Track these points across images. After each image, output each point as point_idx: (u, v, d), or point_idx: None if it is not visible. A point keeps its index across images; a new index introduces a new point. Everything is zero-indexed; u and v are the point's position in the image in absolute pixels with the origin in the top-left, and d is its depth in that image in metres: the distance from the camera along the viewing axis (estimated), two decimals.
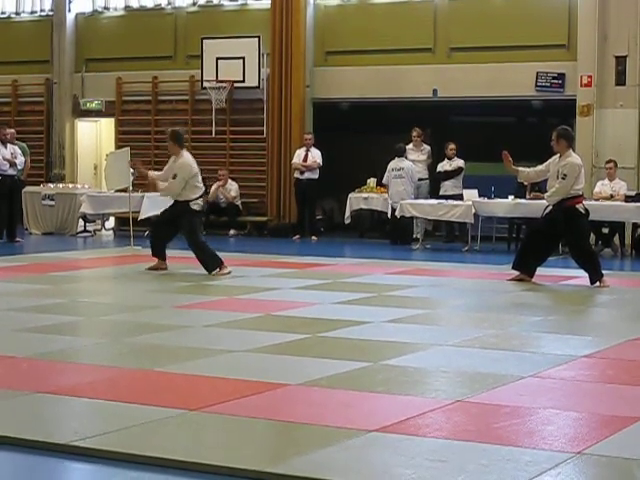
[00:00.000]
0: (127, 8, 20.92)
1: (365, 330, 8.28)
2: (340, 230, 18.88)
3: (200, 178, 12.35)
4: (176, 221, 12.11)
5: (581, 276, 11.63)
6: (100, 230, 19.24)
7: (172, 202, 12.30)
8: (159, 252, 12.31)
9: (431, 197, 17.83)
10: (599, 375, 6.80)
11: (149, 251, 12.52)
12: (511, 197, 16.14)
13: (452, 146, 17.78)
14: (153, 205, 16.30)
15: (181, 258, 12.74)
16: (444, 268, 13.45)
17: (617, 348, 7.71)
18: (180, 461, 4.71)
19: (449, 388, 6.33)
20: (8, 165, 16.89)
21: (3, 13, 21.98)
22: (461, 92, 18.03)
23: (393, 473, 4.58)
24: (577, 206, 11.42)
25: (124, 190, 16.84)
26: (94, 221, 19.24)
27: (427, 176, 18.23)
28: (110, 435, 5.10)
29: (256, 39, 18.94)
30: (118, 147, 19.27)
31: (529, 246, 11.85)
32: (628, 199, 15.97)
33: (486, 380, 6.43)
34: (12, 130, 17.83)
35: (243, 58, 18.97)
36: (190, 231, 12.10)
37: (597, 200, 15.73)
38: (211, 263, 11.98)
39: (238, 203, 19.01)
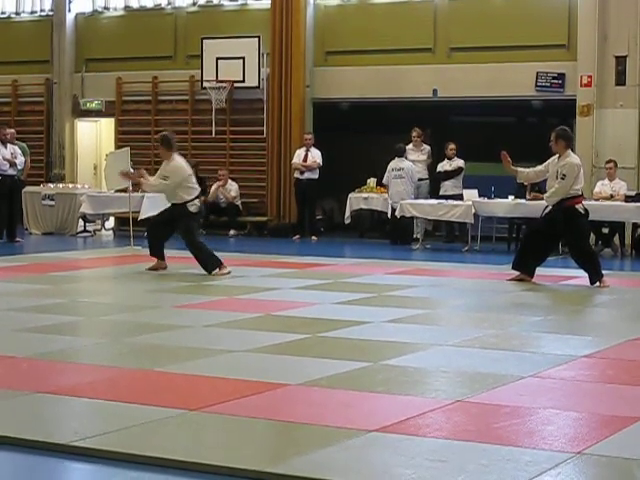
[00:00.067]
0: (127, 8, 20.92)
1: (365, 330, 8.28)
2: (340, 230, 18.87)
3: (194, 179, 12.33)
4: (173, 223, 12.12)
5: (581, 276, 11.62)
6: (100, 230, 19.24)
7: (170, 204, 12.31)
8: (157, 252, 12.30)
9: (431, 197, 17.83)
10: (599, 375, 6.80)
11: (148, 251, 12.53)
12: (511, 197, 16.13)
13: (452, 146, 17.77)
14: (153, 205, 16.27)
15: (181, 258, 12.73)
16: (444, 268, 13.45)
17: (617, 348, 7.71)
18: (180, 461, 4.71)
19: (449, 388, 6.33)
20: (8, 165, 16.88)
21: (3, 13, 21.98)
22: (461, 92, 18.03)
23: (393, 473, 4.58)
24: (577, 206, 11.42)
25: (124, 190, 16.85)
26: (94, 221, 19.24)
27: (427, 176, 18.23)
28: (110, 435, 5.10)
29: (256, 39, 18.94)
30: (118, 147, 19.26)
31: (528, 246, 11.85)
32: (628, 199, 15.96)
33: (486, 380, 6.43)
34: (12, 130, 17.83)
35: (243, 58, 18.97)
36: (186, 231, 12.09)
37: (597, 200, 15.73)
38: (210, 263, 11.98)
39: (238, 203, 19.00)
